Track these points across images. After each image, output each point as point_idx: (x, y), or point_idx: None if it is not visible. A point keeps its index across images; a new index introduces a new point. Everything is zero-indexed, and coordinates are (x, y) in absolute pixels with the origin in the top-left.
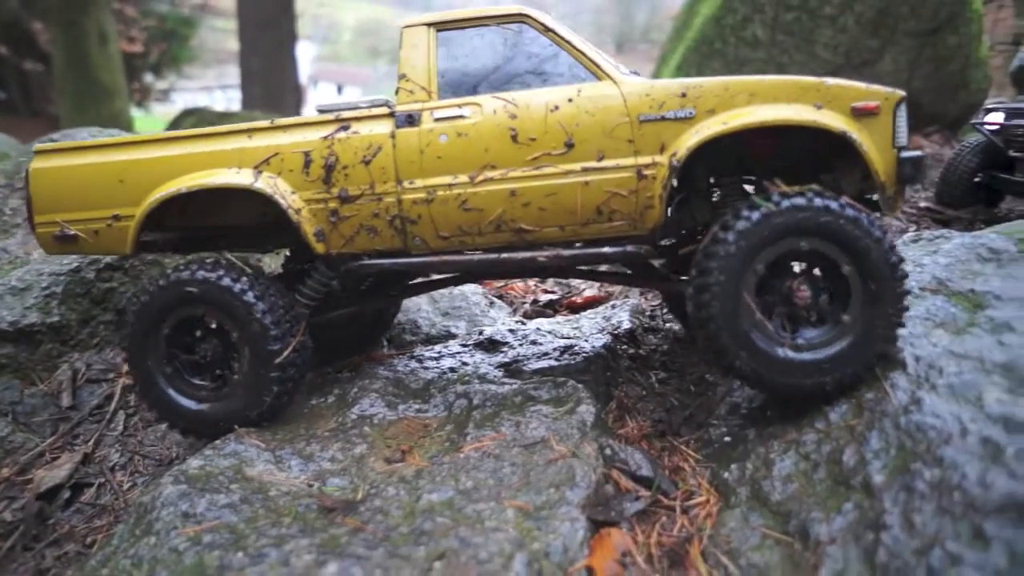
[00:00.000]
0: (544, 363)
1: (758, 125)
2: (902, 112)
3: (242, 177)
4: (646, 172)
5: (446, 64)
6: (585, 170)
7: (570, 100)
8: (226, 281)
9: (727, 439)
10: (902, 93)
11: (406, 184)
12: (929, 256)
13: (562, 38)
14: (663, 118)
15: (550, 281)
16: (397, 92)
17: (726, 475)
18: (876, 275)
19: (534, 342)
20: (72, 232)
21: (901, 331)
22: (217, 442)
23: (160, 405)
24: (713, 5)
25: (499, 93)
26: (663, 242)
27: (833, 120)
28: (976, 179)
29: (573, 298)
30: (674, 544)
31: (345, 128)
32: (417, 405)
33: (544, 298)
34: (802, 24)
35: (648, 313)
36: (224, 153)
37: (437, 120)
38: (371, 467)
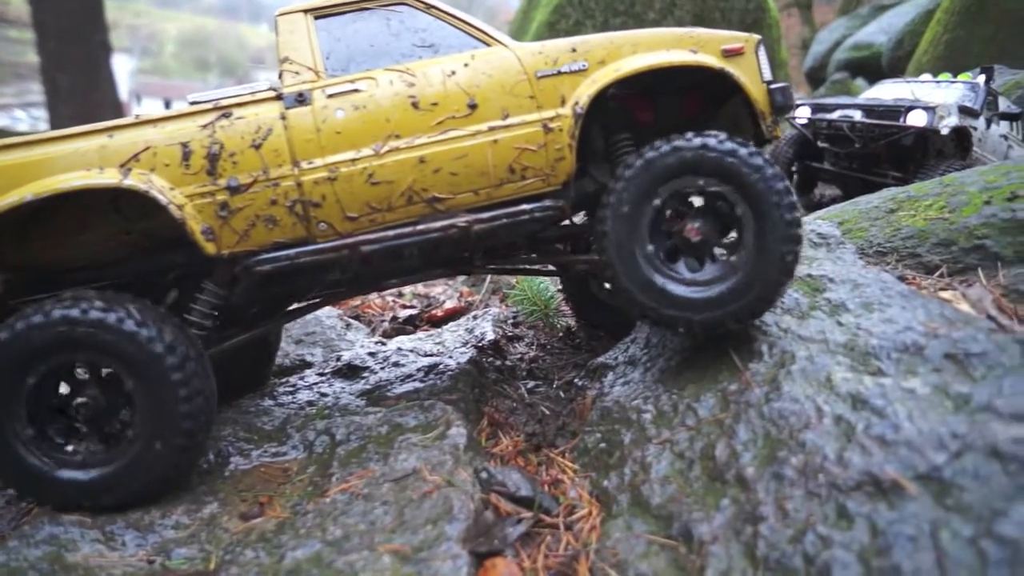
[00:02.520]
0: (409, 386)
1: (648, 68)
2: (762, 52)
3: (107, 176)
4: (552, 124)
5: (329, 46)
6: (492, 128)
7: (466, 65)
8: (112, 318)
9: (603, 445)
10: (759, 37)
11: (304, 165)
12: None
13: (447, 13)
14: (559, 72)
15: (408, 295)
16: (280, 76)
17: (606, 483)
18: (762, 201)
19: (396, 364)
20: None
21: (754, 331)
22: (26, 528)
23: (21, 478)
24: (546, 11)
25: (392, 65)
26: (575, 217)
27: (711, 60)
28: (792, 168)
29: (433, 311)
30: (561, 564)
31: (227, 115)
32: (274, 448)
33: (403, 314)
34: (628, 28)
35: (511, 321)
36: (80, 154)
37: (331, 96)
38: (224, 528)
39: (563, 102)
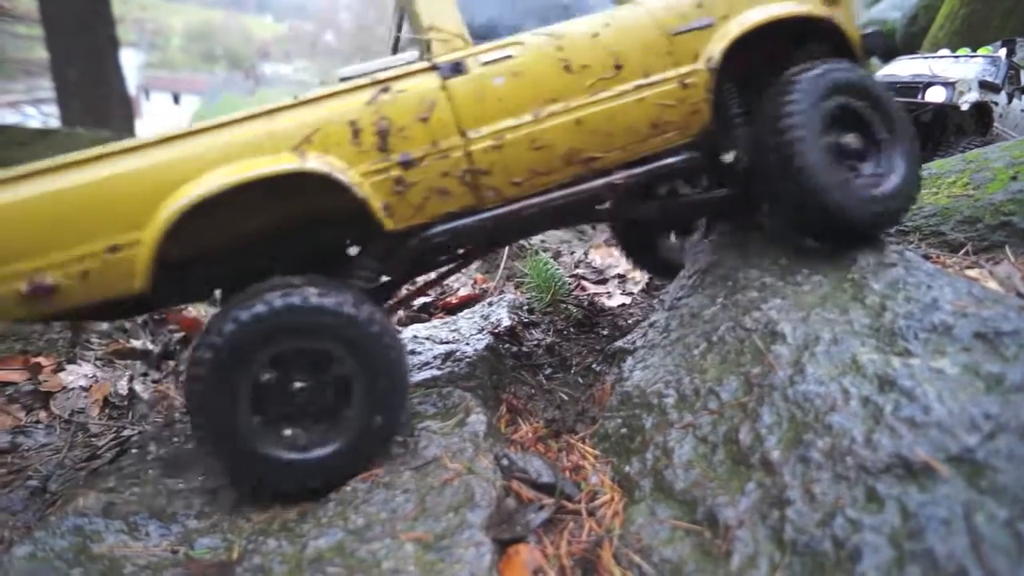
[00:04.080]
0: (426, 373)
1: (769, 20)
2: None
3: (285, 161)
4: (688, 80)
5: (468, 12)
6: (638, 87)
7: (607, 24)
8: (331, 302)
9: (624, 431)
10: None
11: (471, 134)
12: None
13: None
14: (690, 28)
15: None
16: (428, 46)
17: (628, 469)
18: (886, 106)
19: (413, 351)
20: (49, 282)
21: (774, 302)
22: (51, 519)
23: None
24: None
25: (536, 29)
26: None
27: (820, 9)
28: None
29: (448, 299)
30: (585, 551)
31: (386, 90)
32: None
33: (418, 301)
34: None
35: (526, 307)
36: (247, 141)
37: (485, 64)
38: (247, 517)
39: (696, 57)
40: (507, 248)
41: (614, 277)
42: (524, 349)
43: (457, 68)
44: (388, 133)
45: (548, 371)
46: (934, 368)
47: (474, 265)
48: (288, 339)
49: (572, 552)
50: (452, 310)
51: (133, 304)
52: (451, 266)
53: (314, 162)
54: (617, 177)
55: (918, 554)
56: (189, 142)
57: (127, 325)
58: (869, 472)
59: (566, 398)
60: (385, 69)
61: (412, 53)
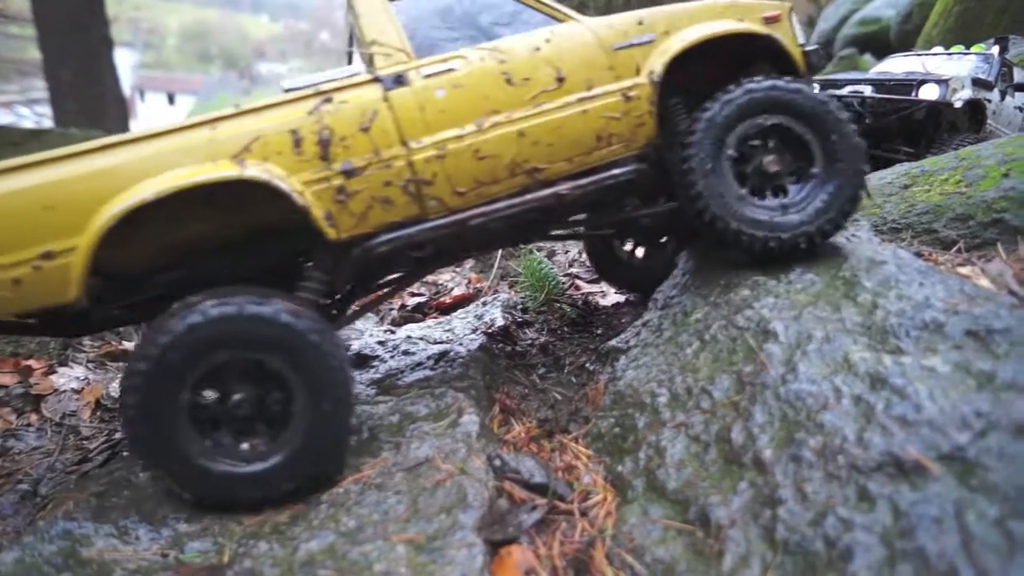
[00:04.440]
0: (419, 374)
1: (708, 37)
2: (795, 18)
3: (224, 169)
4: (631, 93)
5: (409, 27)
6: (580, 100)
7: (547, 40)
8: (269, 311)
9: (617, 430)
10: (790, 4)
11: (413, 144)
12: None
13: None
14: (631, 44)
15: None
16: (371, 60)
17: (620, 468)
18: (831, 130)
19: (406, 352)
20: None
21: (766, 300)
22: (40, 524)
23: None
24: None
25: (478, 44)
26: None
27: (758, 27)
28: None
29: (442, 299)
30: (577, 551)
31: (328, 100)
32: None
33: (412, 301)
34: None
35: (520, 307)
36: (187, 149)
37: (427, 77)
38: (238, 520)
39: (638, 71)
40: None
41: None
42: (518, 349)
43: (399, 80)
44: (329, 143)
45: (542, 371)
46: (926, 366)
47: (468, 264)
48: (225, 350)
49: (564, 552)
50: (446, 310)
51: (79, 322)
52: (402, 276)
53: (253, 170)
54: (563, 188)
55: (909, 553)
56: (129, 149)
57: (119, 328)
58: (861, 471)
59: (559, 398)
60: (329, 81)
61: (356, 66)
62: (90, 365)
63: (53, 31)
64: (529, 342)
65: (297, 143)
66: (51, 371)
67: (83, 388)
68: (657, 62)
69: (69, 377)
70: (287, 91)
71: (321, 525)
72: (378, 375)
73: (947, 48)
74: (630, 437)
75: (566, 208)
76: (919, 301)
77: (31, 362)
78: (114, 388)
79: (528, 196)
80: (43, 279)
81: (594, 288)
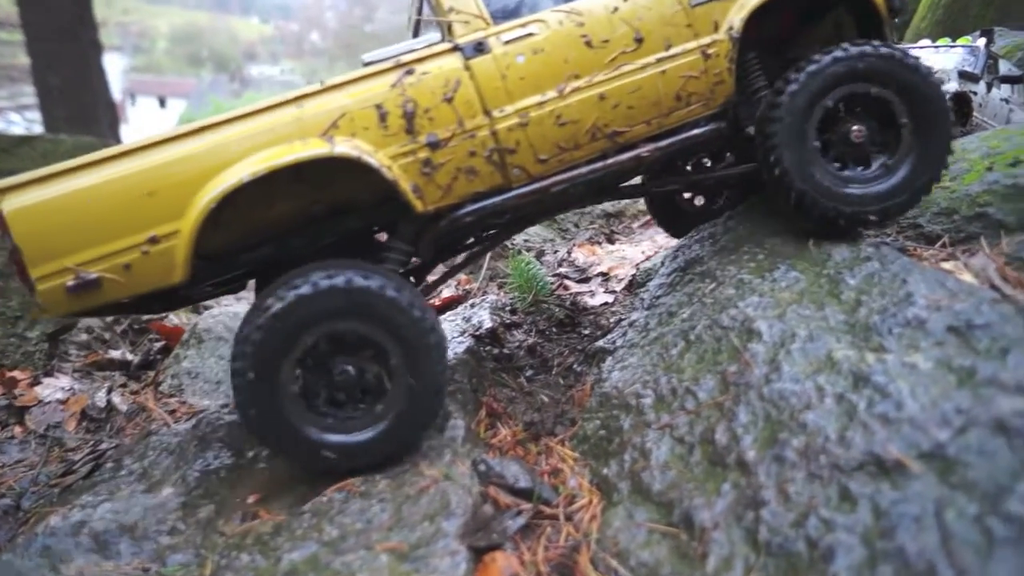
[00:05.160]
0: None
1: None
2: None
3: (314, 147)
4: (709, 51)
5: None
6: (659, 60)
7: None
8: (375, 284)
9: (602, 432)
10: None
11: (495, 113)
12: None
13: None
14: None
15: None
16: (449, 28)
17: (606, 471)
18: (923, 102)
19: None
20: (94, 275)
21: (751, 299)
22: (20, 540)
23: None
24: None
25: (555, 7)
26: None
27: None
28: None
29: (431, 301)
30: (562, 556)
31: (410, 72)
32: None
33: None
34: None
35: (508, 308)
36: (275, 128)
37: (507, 43)
38: (220, 531)
39: (716, 27)
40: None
41: (597, 275)
42: (505, 351)
43: (479, 48)
44: (414, 115)
45: (529, 372)
46: (907, 363)
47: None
48: (331, 322)
49: (549, 558)
50: (436, 312)
51: (166, 300)
52: (478, 248)
53: (343, 146)
54: (644, 150)
55: (890, 553)
56: (221, 131)
57: (106, 335)
58: (842, 470)
59: (547, 400)
60: (408, 52)
61: (433, 35)
62: (76, 375)
63: (41, 36)
64: (517, 344)
65: (383, 117)
66: (36, 382)
67: (68, 399)
68: (736, 16)
69: (54, 388)
70: (367, 64)
71: (304, 535)
72: None
73: (934, 41)
74: (616, 439)
75: (648, 168)
76: (902, 298)
77: (15, 373)
78: (100, 398)
79: (609, 160)
80: (151, 263)
81: (583, 288)
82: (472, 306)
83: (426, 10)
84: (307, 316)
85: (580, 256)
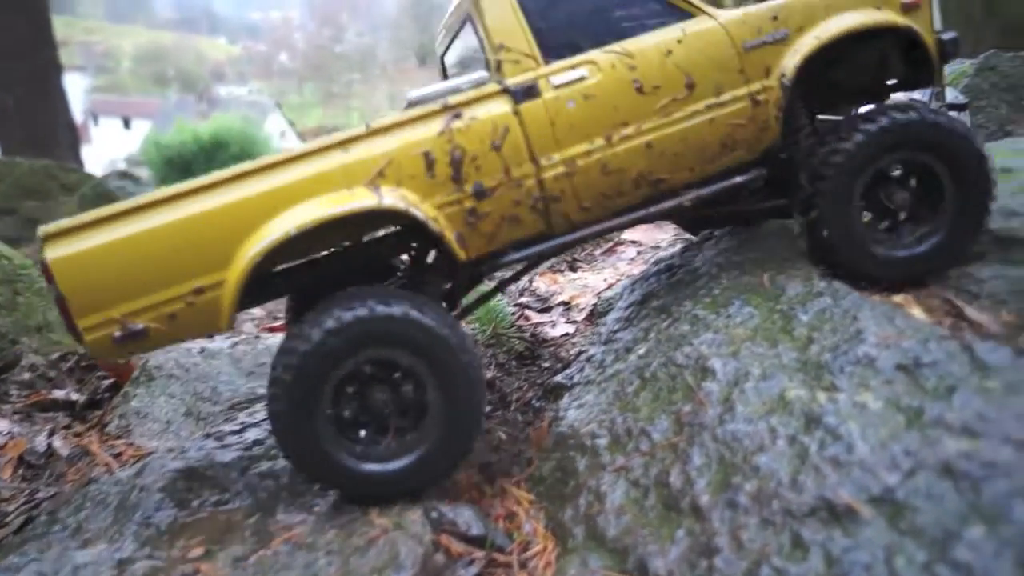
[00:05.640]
0: None
1: (846, 33)
2: (934, 3)
3: (361, 198)
4: (759, 97)
5: (535, 27)
6: (708, 107)
7: (679, 41)
8: (414, 313)
9: (558, 474)
10: None
11: (543, 161)
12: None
13: None
14: (764, 43)
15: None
16: (499, 66)
17: (561, 515)
18: (966, 171)
19: None
20: (140, 326)
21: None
22: None
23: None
24: None
25: (607, 47)
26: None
27: (897, 17)
28: None
29: None
30: None
31: (458, 116)
32: (216, 496)
33: None
34: None
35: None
36: (322, 176)
37: (558, 87)
38: None
39: (768, 73)
40: None
41: (558, 305)
42: None
43: (530, 92)
44: (461, 163)
45: (487, 409)
46: (858, 403)
47: None
48: (371, 349)
49: None
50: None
51: None
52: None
53: (390, 197)
54: (686, 199)
55: None
56: (266, 178)
57: (51, 374)
58: (795, 516)
59: (504, 437)
60: (455, 91)
61: (481, 74)
62: (15, 417)
63: None
64: None
65: (430, 166)
66: None
67: (6, 443)
68: (789, 63)
69: None
70: (412, 102)
71: None
72: None
73: None
74: (571, 482)
75: (690, 211)
76: (852, 335)
77: None
78: (40, 442)
79: (652, 209)
80: (196, 313)
81: (544, 318)
82: None
83: (460, 43)
84: (352, 341)
85: (542, 285)
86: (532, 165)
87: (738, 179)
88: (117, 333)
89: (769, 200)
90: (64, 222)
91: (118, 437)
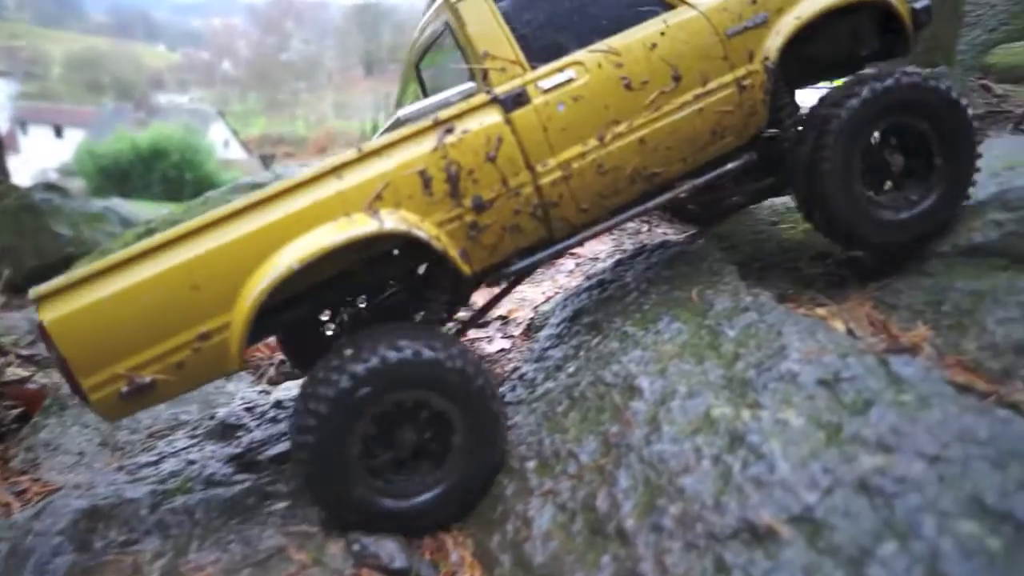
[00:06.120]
0: (284, 445)
1: (825, 10)
2: None
3: (361, 225)
4: (745, 82)
5: (519, 32)
6: (696, 97)
7: (662, 34)
8: (431, 354)
9: (486, 499)
10: None
11: (539, 168)
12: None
13: None
14: (745, 28)
15: None
16: (484, 75)
17: (489, 543)
18: (956, 134)
19: (274, 419)
20: (147, 379)
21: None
22: None
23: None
24: None
25: (592, 46)
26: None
27: None
28: None
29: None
30: None
31: (450, 130)
32: (124, 536)
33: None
34: None
35: None
36: (320, 205)
37: (547, 91)
38: None
39: (751, 58)
40: None
41: (496, 319)
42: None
43: (519, 99)
44: (458, 178)
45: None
46: (780, 420)
47: None
48: (399, 392)
49: None
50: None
51: None
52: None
53: (390, 220)
54: (681, 190)
55: None
56: (262, 214)
57: None
58: (718, 539)
59: None
60: (444, 105)
61: (468, 84)
62: None
63: None
64: None
65: (427, 184)
66: None
67: None
68: (772, 45)
69: None
70: (401, 120)
71: None
72: (239, 449)
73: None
74: (499, 507)
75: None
76: (776, 350)
77: None
78: None
79: (649, 204)
80: (204, 359)
81: (480, 333)
82: None
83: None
84: (378, 386)
85: (479, 299)
86: (528, 172)
87: (730, 165)
88: (124, 389)
89: (758, 180)
90: (57, 281)
91: (23, 472)
